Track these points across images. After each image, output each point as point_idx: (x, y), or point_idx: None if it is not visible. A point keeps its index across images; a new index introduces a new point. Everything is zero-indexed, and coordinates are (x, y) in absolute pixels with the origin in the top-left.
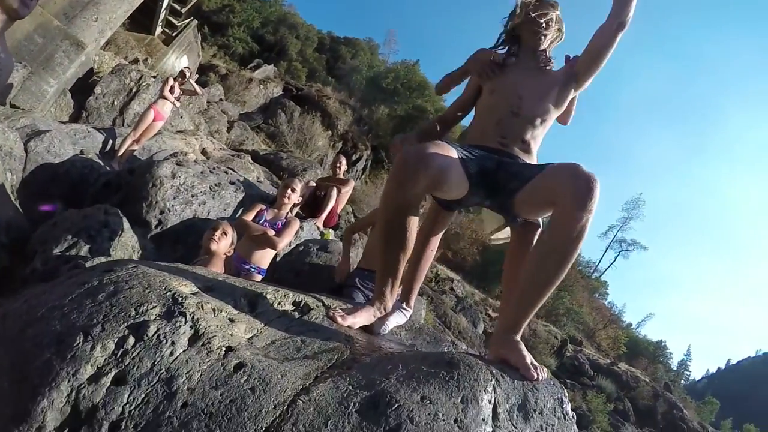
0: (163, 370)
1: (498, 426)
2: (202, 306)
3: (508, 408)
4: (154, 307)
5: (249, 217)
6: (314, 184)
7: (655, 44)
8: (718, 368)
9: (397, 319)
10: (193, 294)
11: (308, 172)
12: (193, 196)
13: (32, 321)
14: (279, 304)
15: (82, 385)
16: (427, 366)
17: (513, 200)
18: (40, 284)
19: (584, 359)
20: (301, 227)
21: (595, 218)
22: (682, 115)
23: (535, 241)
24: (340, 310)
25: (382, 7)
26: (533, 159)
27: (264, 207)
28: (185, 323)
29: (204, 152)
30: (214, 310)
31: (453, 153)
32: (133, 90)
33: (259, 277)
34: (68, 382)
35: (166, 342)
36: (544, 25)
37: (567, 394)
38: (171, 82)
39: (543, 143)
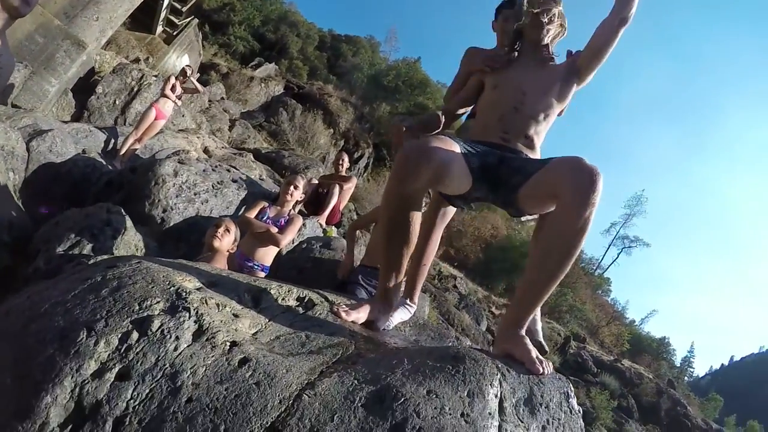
0: (168, 365)
1: (504, 420)
2: (206, 301)
3: (515, 402)
4: (158, 302)
5: (252, 214)
6: (316, 182)
7: (656, 43)
8: (722, 365)
9: (401, 315)
10: (197, 289)
11: (310, 170)
12: (195, 194)
13: (35, 317)
14: (283, 299)
15: (86, 381)
16: (432, 360)
17: (516, 195)
18: (43, 282)
19: (588, 356)
20: (303, 224)
21: (597, 215)
22: (682, 114)
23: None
24: (344, 306)
25: (383, 5)
26: (536, 154)
27: (267, 204)
28: (189, 318)
29: (206, 151)
30: (218, 305)
31: (455, 147)
32: (135, 89)
33: (262, 275)
34: (72, 377)
35: (170, 337)
36: (546, 20)
37: (573, 389)
38: (172, 80)
39: (546, 139)
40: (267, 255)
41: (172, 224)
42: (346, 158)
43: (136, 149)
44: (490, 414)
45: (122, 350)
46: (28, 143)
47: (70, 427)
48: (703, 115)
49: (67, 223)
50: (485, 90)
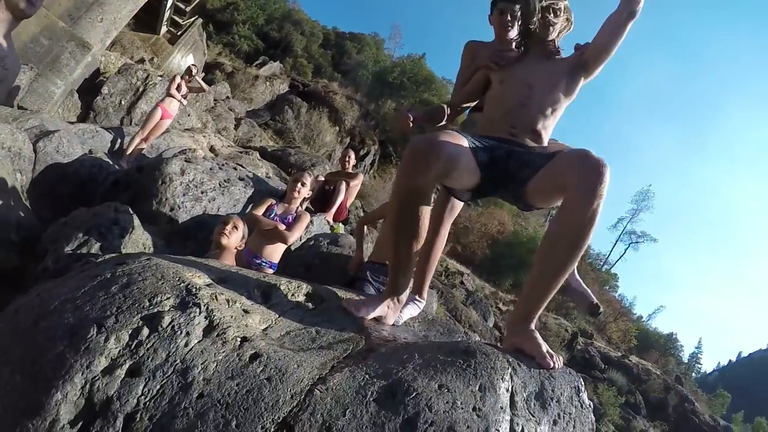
0: (178, 361)
1: (516, 414)
2: (216, 297)
3: (525, 396)
4: (168, 298)
5: (259, 211)
6: (323, 179)
7: (658, 41)
8: (730, 361)
9: (410, 311)
10: (207, 285)
11: (316, 168)
12: (202, 193)
13: (45, 314)
14: (292, 295)
15: (96, 378)
16: (443, 355)
17: (525, 189)
18: (52, 280)
19: (595, 352)
20: (311, 221)
21: (603, 210)
22: (684, 113)
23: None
24: (353, 302)
25: (386, 2)
26: (544, 149)
27: (274, 202)
28: (200, 314)
29: (212, 149)
30: (228, 301)
31: (463, 142)
32: (140, 89)
33: (270, 272)
34: (82, 374)
35: (181, 333)
36: (552, 15)
37: (583, 383)
38: (178, 80)
39: (552, 134)
40: (275, 252)
41: (179, 223)
42: (352, 155)
43: (142, 149)
44: (501, 408)
45: (133, 346)
46: (35, 144)
47: (80, 424)
48: (704, 114)
49: (74, 222)
50: (492, 85)
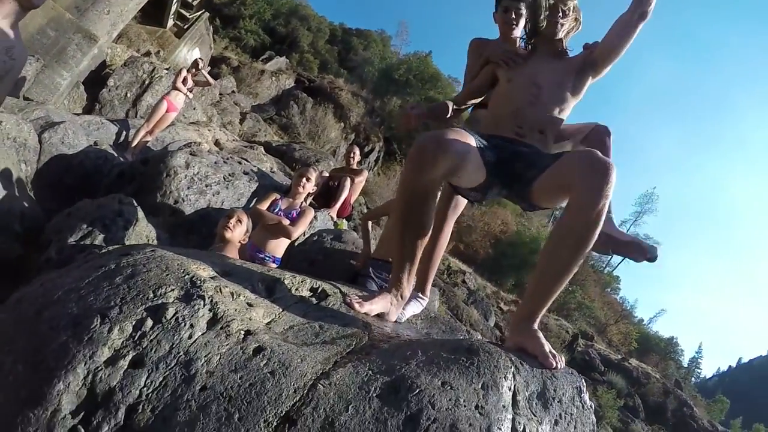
0: (182, 353)
1: (518, 413)
2: (220, 290)
3: (528, 395)
4: (173, 290)
5: (263, 206)
6: (327, 175)
7: (667, 40)
8: (729, 366)
9: (413, 308)
10: (212, 278)
11: (321, 164)
12: (207, 186)
13: (48, 304)
14: (296, 289)
15: (99, 368)
16: (446, 352)
17: (530, 189)
18: (56, 270)
19: (595, 354)
20: (315, 217)
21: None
22: (691, 113)
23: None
24: (357, 297)
25: None
26: (549, 149)
27: (278, 196)
28: (204, 306)
29: (217, 143)
30: (232, 294)
31: (471, 140)
32: (146, 82)
33: (273, 266)
34: (85, 364)
35: (185, 325)
36: (561, 14)
37: (585, 384)
38: (184, 73)
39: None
40: (278, 247)
41: (183, 216)
42: (357, 151)
43: (147, 141)
44: (504, 407)
45: (136, 337)
46: (40, 135)
47: (82, 414)
48: (712, 113)
49: (79, 213)
50: (500, 82)
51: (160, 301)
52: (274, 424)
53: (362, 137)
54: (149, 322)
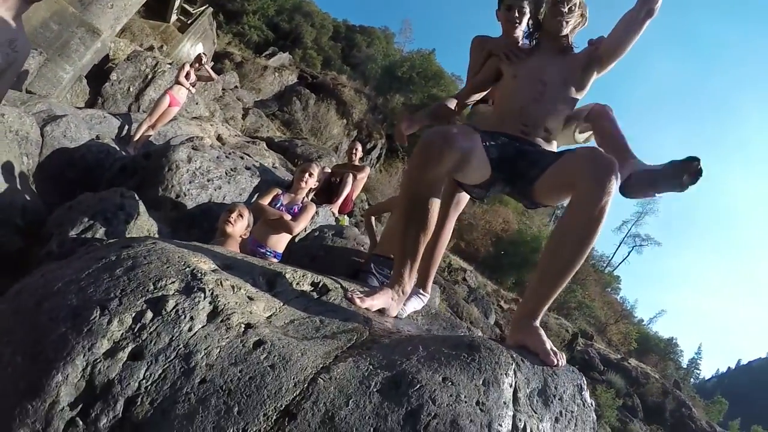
0: (181, 345)
1: (518, 410)
2: (221, 283)
3: (528, 392)
4: (173, 282)
5: (265, 201)
6: (329, 171)
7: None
8: (728, 368)
9: (414, 305)
10: (213, 271)
11: (323, 160)
12: (208, 181)
13: (48, 295)
14: (297, 284)
15: (98, 360)
16: (447, 348)
17: (533, 187)
18: (56, 262)
19: (595, 353)
20: (316, 212)
21: (609, 212)
22: (696, 112)
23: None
24: (358, 292)
25: None
26: (554, 147)
27: (280, 191)
28: (204, 299)
29: (219, 138)
30: (233, 287)
31: (476, 137)
32: (149, 76)
33: (274, 261)
34: (84, 356)
35: (185, 317)
36: (567, 10)
37: (586, 382)
38: (187, 67)
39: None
40: (280, 242)
41: (185, 210)
42: (359, 147)
43: (149, 135)
44: (504, 403)
45: (136, 330)
46: (43, 128)
47: (80, 406)
48: (716, 114)
49: (80, 207)
50: (504, 77)
51: (160, 294)
52: (274, 417)
53: (364, 134)
54: (149, 315)
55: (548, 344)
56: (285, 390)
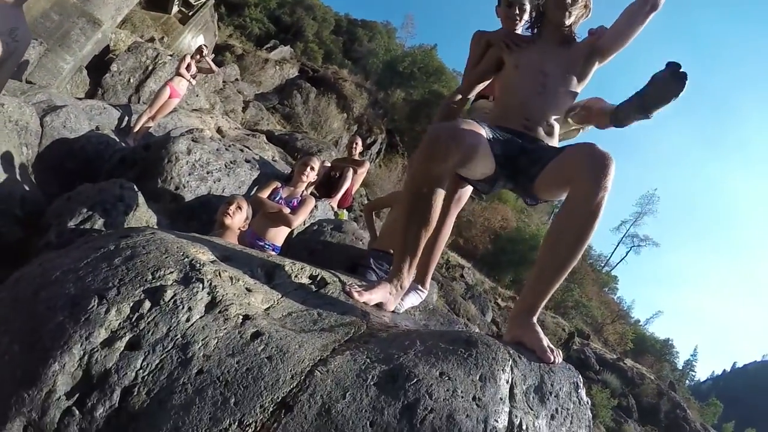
0: (179, 335)
1: (515, 406)
2: (219, 274)
3: (525, 389)
4: (171, 273)
5: (264, 194)
6: (329, 164)
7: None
8: (724, 370)
9: (412, 300)
10: (211, 262)
11: (323, 154)
12: (208, 173)
13: (46, 284)
14: (296, 276)
15: (95, 349)
16: (445, 343)
17: (534, 184)
18: (55, 251)
19: (591, 353)
20: (315, 206)
21: (607, 211)
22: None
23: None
24: (356, 286)
25: None
26: (555, 140)
27: (279, 184)
28: (202, 289)
29: (219, 131)
30: (231, 278)
31: (482, 132)
32: (150, 68)
33: (273, 254)
34: (81, 345)
35: (183, 307)
36: (571, 1)
37: (582, 380)
38: (188, 59)
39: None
40: (278, 235)
41: (183, 202)
42: (359, 141)
43: (149, 127)
44: (501, 399)
45: (133, 319)
46: (42, 119)
47: (77, 395)
48: (718, 112)
49: (79, 197)
50: (505, 68)
51: (158, 284)
52: (271, 409)
53: (365, 129)
54: (147, 304)
55: (545, 341)
56: (282, 382)
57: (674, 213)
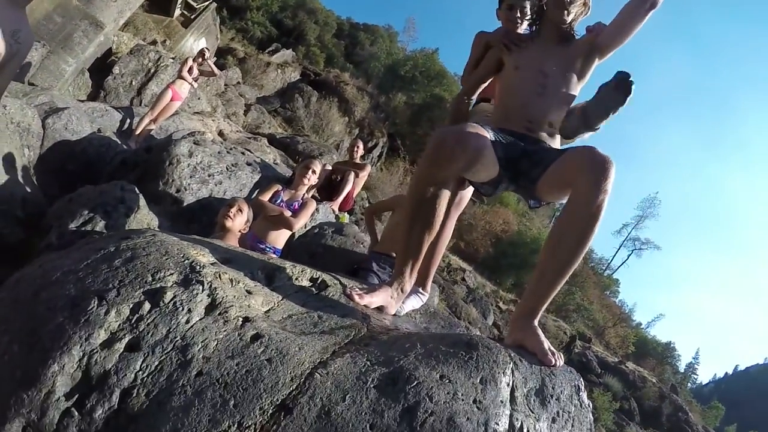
0: (179, 337)
1: (516, 409)
2: (219, 276)
3: (526, 392)
4: (172, 274)
5: (266, 197)
6: (330, 168)
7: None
8: (726, 373)
9: (413, 303)
10: (211, 264)
11: (324, 157)
12: (209, 176)
13: (46, 284)
14: (296, 279)
15: (95, 350)
16: (445, 346)
17: (535, 186)
18: (56, 252)
19: (592, 356)
20: (316, 209)
21: (608, 214)
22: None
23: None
24: (357, 289)
25: None
26: (557, 140)
27: (281, 188)
28: (202, 291)
29: (221, 134)
30: (231, 280)
31: (487, 135)
32: (152, 71)
33: (274, 257)
34: (80, 346)
35: (183, 309)
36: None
37: (583, 383)
38: (190, 62)
39: None
40: (279, 238)
41: (185, 204)
42: (361, 145)
43: (151, 130)
44: (501, 402)
45: (133, 321)
46: (44, 120)
47: (76, 396)
48: (717, 113)
49: (80, 199)
50: (506, 69)
51: (158, 285)
52: (270, 411)
53: (366, 132)
54: (147, 306)
55: (546, 344)
56: (282, 384)
57: (675, 215)
